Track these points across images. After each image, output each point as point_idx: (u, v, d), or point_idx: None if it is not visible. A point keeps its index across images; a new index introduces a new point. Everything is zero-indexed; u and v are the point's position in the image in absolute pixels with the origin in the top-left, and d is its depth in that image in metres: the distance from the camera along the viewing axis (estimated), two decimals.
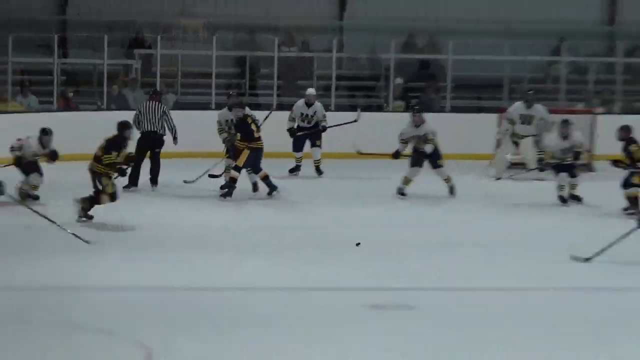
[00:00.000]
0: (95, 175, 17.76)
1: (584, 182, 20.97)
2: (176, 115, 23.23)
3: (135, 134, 20.95)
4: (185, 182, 21.54)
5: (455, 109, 27.91)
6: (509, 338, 12.09)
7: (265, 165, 21.21)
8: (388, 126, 23.00)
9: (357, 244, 16.54)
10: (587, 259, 15.69)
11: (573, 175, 20.29)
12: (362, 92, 28.93)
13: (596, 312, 13.32)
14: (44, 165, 20.13)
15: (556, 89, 27.29)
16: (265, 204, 20.77)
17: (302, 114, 23.32)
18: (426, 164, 21.24)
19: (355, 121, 23.48)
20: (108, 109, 26.33)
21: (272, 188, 20.44)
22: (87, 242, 16.05)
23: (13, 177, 19.21)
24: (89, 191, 17.88)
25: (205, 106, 26.74)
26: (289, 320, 13.23)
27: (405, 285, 14.71)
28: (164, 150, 21.93)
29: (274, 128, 22.23)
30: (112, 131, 21.06)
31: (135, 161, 19.75)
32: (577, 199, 20.38)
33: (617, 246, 15.78)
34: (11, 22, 27.46)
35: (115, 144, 17.89)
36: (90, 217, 17.86)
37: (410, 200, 21.16)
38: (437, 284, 14.94)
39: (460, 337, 12.16)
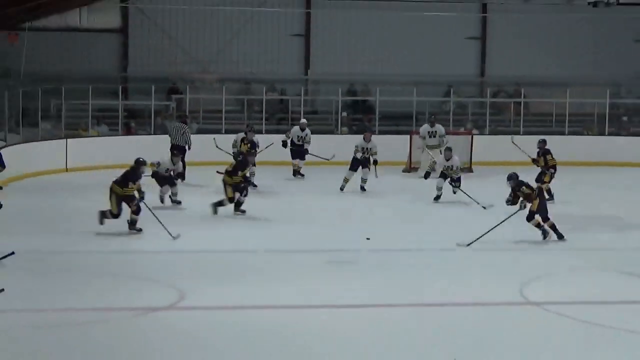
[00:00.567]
0: (118, 195, 15.73)
1: (466, 180, 19.82)
2: (199, 137, 23.69)
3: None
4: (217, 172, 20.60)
5: (381, 132, 27.02)
6: None
7: (273, 171, 21.29)
8: (337, 143, 23.30)
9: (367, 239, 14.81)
10: (469, 244, 14.54)
11: (453, 181, 19.40)
12: (319, 121, 28.84)
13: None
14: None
15: (447, 118, 27.35)
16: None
17: (297, 136, 22.67)
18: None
19: (328, 159, 22.27)
20: (155, 134, 26.52)
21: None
22: (174, 237, 14.99)
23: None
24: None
25: (218, 131, 26.09)
26: (285, 275, 12.77)
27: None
28: (191, 158, 22.38)
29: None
30: (158, 149, 21.54)
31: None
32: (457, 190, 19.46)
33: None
34: (90, 77, 27.45)
35: (131, 177, 15.90)
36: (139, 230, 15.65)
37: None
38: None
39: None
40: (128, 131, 26.83)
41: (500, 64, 30.77)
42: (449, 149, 19.77)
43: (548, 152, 19.47)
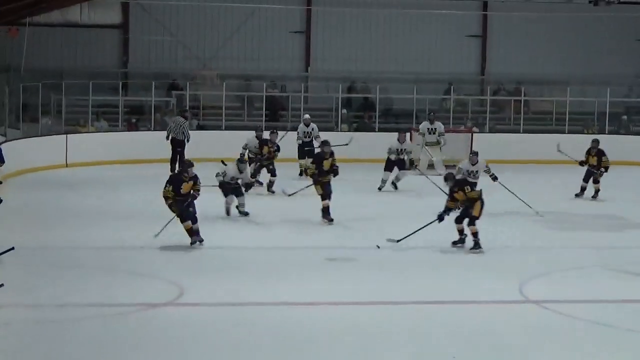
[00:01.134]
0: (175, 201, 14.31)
1: None
2: (199, 133, 23.73)
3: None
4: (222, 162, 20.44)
5: (381, 129, 27.58)
6: None
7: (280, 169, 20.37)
8: (338, 139, 23.19)
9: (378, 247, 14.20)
10: (399, 241, 14.20)
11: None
12: (320, 118, 28.80)
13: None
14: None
15: (447, 116, 27.37)
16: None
17: (304, 132, 22.39)
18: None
19: (347, 144, 21.97)
20: (155, 130, 26.49)
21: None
22: (200, 241, 14.21)
23: None
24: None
25: (217, 127, 26.54)
26: (284, 272, 12.69)
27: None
28: (192, 155, 22.21)
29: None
30: (157, 143, 21.55)
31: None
32: None
33: None
34: (91, 73, 27.45)
35: (176, 182, 14.41)
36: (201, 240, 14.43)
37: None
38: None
39: None
40: (130, 127, 26.83)
41: (500, 62, 30.73)
42: (475, 154, 18.16)
43: (602, 152, 19.60)
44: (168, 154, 22.54)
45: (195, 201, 14.39)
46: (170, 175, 15.22)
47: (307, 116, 23.16)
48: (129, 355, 9.48)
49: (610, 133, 28.01)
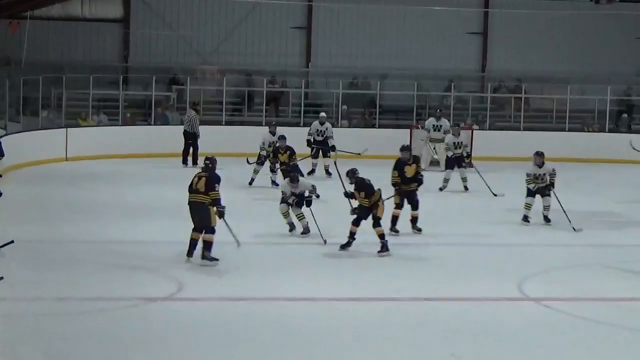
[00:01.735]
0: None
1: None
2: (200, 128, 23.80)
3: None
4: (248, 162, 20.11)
5: (381, 126, 27.65)
6: None
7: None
8: (337, 135, 23.19)
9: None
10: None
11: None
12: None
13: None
14: None
15: (447, 113, 27.30)
16: None
17: (317, 130, 21.98)
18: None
19: (359, 154, 21.59)
20: (155, 124, 26.60)
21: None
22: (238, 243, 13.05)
23: None
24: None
25: (218, 122, 26.50)
26: (285, 267, 12.67)
27: None
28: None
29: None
30: (157, 138, 21.49)
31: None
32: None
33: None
34: (91, 67, 27.49)
35: (216, 180, 12.78)
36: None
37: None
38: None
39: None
40: (127, 121, 26.73)
41: (501, 60, 30.85)
42: (539, 154, 16.21)
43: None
44: (168, 147, 22.65)
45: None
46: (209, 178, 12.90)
47: (323, 114, 22.73)
48: (128, 349, 9.45)
49: (610, 131, 28.06)
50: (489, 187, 18.33)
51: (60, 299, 10.98)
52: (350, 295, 11.57)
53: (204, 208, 12.60)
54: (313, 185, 14.94)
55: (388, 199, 14.20)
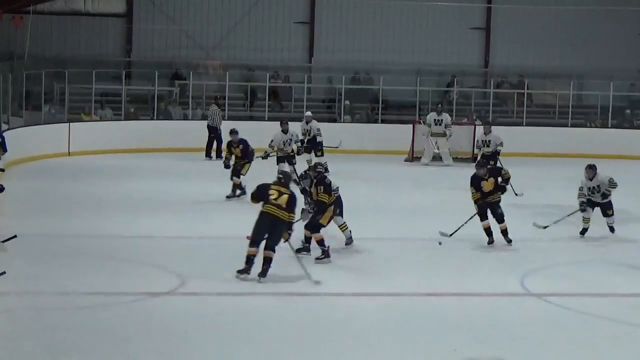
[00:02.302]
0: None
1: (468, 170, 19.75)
2: (199, 123, 23.77)
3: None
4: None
5: (384, 121, 27.66)
6: None
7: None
8: (340, 131, 23.15)
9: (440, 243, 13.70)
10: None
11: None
12: (323, 109, 28.62)
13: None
14: None
15: (450, 108, 27.32)
16: None
17: (303, 129, 21.52)
18: None
19: (336, 147, 21.42)
20: (157, 119, 26.62)
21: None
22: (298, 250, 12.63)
23: None
24: None
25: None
26: (284, 262, 12.41)
27: None
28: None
29: None
30: (159, 133, 21.42)
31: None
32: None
33: None
34: (94, 61, 27.48)
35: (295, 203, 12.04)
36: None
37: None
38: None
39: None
40: (128, 116, 26.73)
41: (504, 55, 30.84)
42: (592, 167, 15.16)
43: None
44: (170, 142, 22.71)
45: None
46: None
47: (308, 113, 22.45)
48: (131, 343, 9.45)
49: (613, 127, 28.03)
50: (512, 187, 17.85)
51: (62, 293, 10.98)
52: (354, 290, 11.57)
53: (282, 225, 11.83)
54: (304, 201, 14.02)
55: (471, 218, 14.01)
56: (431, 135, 24.06)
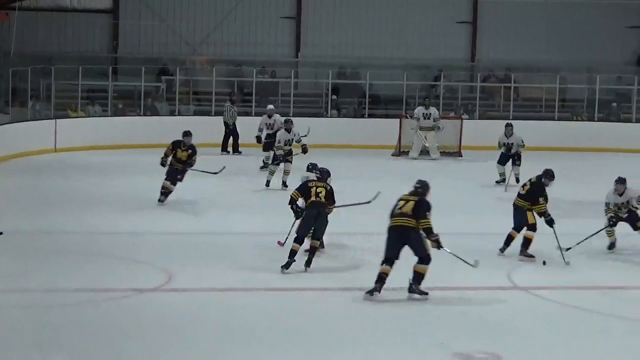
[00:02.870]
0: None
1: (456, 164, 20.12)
2: (187, 119, 23.71)
3: None
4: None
5: (370, 115, 27.78)
6: None
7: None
8: (327, 125, 23.12)
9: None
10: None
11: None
12: (309, 104, 28.72)
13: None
14: None
15: (437, 103, 27.33)
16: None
17: (267, 124, 21.53)
18: None
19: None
20: (144, 115, 26.57)
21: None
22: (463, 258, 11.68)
23: None
24: None
25: (207, 113, 26.56)
26: (274, 258, 12.51)
27: None
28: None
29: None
30: (146, 129, 21.33)
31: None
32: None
33: None
34: (80, 58, 27.46)
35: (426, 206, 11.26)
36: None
37: None
38: None
39: None
40: (117, 112, 26.67)
41: (490, 49, 30.87)
42: (621, 181, 13.80)
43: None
44: (157, 138, 22.52)
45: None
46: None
47: (270, 106, 22.38)
48: (118, 339, 9.44)
49: (599, 120, 28.12)
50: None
51: (50, 290, 10.97)
52: (342, 285, 11.54)
53: (414, 232, 11.14)
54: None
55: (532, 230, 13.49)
56: (420, 130, 24.05)
